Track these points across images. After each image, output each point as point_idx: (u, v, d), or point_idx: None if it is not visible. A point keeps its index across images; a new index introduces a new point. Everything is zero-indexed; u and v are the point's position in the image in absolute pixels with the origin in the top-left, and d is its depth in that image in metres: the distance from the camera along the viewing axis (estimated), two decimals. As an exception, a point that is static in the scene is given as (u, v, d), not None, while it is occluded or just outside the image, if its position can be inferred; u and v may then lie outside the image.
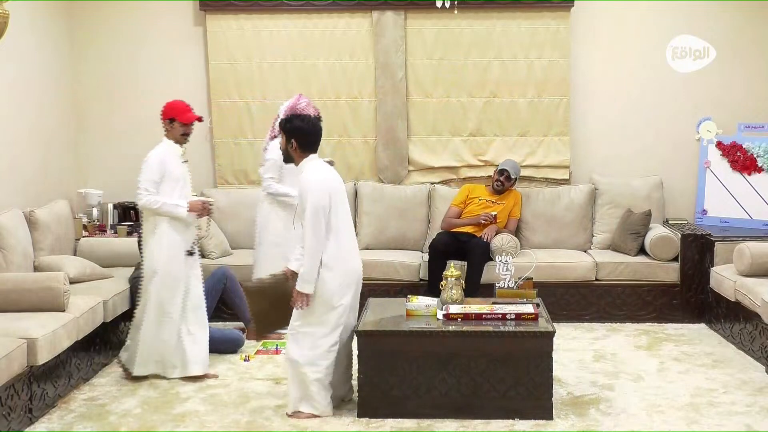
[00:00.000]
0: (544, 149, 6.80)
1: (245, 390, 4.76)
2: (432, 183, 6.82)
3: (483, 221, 6.23)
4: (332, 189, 4.30)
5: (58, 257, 5.49)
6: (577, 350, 5.47)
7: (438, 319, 4.46)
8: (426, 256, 6.33)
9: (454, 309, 4.50)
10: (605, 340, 5.76)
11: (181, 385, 4.85)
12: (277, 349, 5.44)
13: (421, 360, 4.26)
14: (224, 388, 4.81)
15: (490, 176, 6.65)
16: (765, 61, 6.76)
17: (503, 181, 6.39)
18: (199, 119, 5.07)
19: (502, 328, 4.34)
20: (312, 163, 4.37)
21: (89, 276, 5.50)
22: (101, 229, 6.47)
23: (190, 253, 5.03)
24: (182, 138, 4.99)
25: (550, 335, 4.27)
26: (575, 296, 6.18)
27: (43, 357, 4.30)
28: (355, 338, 4.36)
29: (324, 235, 4.22)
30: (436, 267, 5.81)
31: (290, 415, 4.35)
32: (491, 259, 5.94)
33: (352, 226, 4.49)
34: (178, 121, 4.96)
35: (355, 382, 4.51)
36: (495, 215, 6.24)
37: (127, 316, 5.49)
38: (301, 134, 4.34)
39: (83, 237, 6.20)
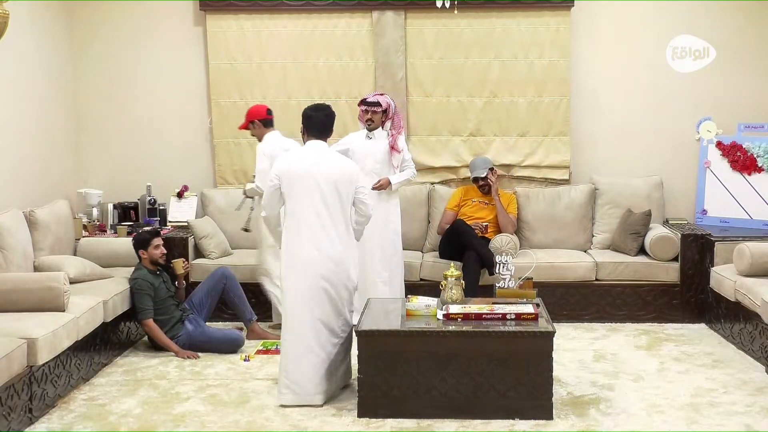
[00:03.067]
0: (544, 149, 6.80)
1: (245, 390, 4.75)
2: (432, 183, 6.81)
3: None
4: (289, 174, 4.47)
5: (58, 257, 5.49)
6: (577, 350, 5.47)
7: (438, 319, 4.45)
8: (426, 256, 6.38)
9: (454, 309, 4.50)
10: (605, 340, 5.76)
11: (181, 385, 4.85)
12: (277, 348, 5.43)
13: (421, 360, 4.25)
14: (224, 388, 4.80)
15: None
16: (765, 61, 6.76)
17: (482, 185, 6.39)
18: None
19: (502, 328, 4.33)
20: (298, 147, 4.69)
21: (89, 276, 5.50)
22: (101, 229, 6.46)
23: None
24: None
25: (550, 335, 4.27)
26: (575, 296, 6.18)
27: (43, 357, 4.31)
28: (355, 338, 4.36)
29: (273, 209, 4.57)
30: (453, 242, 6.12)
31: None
32: (491, 265, 5.95)
33: (324, 217, 4.42)
34: None
35: (355, 382, 4.52)
36: (486, 225, 6.23)
37: (127, 316, 5.49)
38: (304, 118, 4.66)
39: (83, 237, 6.20)
